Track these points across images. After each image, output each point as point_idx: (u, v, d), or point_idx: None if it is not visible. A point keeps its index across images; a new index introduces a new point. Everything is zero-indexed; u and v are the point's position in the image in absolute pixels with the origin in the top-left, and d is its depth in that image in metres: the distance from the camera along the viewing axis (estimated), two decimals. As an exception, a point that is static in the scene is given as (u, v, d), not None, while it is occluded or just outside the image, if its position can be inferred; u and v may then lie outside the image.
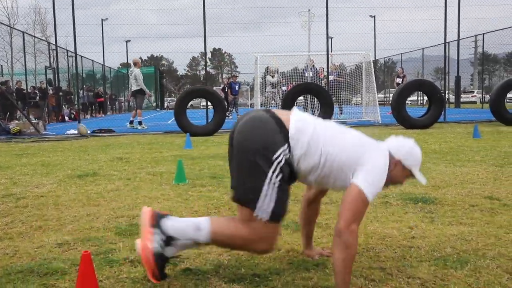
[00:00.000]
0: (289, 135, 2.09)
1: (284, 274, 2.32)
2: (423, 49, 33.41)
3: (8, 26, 25.32)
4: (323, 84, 15.36)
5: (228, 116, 20.84)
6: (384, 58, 41.20)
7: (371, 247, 2.72)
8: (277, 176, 2.04)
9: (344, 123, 14.45)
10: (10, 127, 13.02)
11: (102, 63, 33.72)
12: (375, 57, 34.25)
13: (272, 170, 2.04)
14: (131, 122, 14.33)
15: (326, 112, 11.30)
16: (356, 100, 21.10)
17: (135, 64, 14.40)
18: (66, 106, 25.49)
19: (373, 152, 2.13)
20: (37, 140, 10.91)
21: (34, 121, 14.23)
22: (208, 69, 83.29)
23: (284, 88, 18.54)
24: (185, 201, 4.03)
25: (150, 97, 14.86)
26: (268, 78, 17.09)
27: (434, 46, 31.41)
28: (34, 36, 27.88)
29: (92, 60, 32.74)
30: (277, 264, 2.48)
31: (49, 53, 25.42)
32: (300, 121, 2.15)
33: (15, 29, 24.79)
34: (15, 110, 18.30)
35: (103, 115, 29.88)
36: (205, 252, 2.67)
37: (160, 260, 2.16)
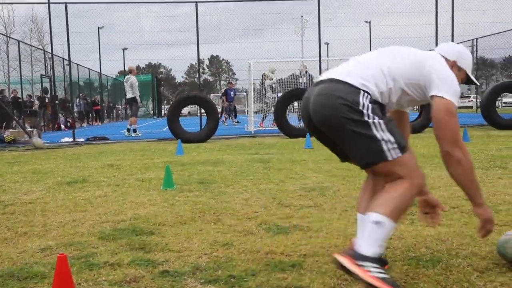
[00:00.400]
0: (354, 83, 2.11)
1: (260, 275, 2.37)
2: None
3: (4, 35, 25.40)
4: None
5: (224, 123, 20.92)
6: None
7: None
8: (374, 118, 2.07)
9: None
10: (4, 135, 13.05)
11: (99, 71, 33.78)
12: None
13: (368, 117, 2.07)
14: (128, 130, 14.39)
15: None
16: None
17: (130, 71, 14.48)
18: (63, 114, 25.54)
19: (431, 61, 2.17)
20: (31, 148, 10.95)
21: (29, 129, 14.26)
22: (206, 76, 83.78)
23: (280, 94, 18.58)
24: (171, 206, 4.08)
25: (140, 107, 14.88)
26: (267, 82, 17.11)
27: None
28: (30, 45, 27.96)
29: (89, 69, 32.85)
30: (254, 265, 2.52)
31: (45, 61, 25.53)
32: (350, 67, 2.20)
33: (11, 38, 24.86)
34: (10, 119, 18.34)
35: (100, 123, 29.92)
36: (184, 255, 2.72)
37: (388, 280, 1.97)
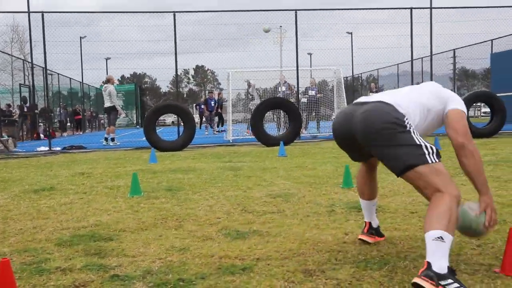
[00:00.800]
0: (400, 110, 2.43)
1: (209, 278, 2.39)
2: (398, 64, 33.98)
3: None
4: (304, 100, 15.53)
5: (206, 132, 20.92)
6: (361, 73, 41.81)
7: (302, 252, 2.81)
8: (415, 130, 2.40)
9: (315, 137, 14.63)
10: (-21, 144, 12.87)
11: (81, 81, 33.51)
12: (352, 73, 34.74)
13: (410, 127, 2.37)
14: (106, 139, 14.30)
15: (294, 127, 11.45)
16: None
17: (108, 80, 14.43)
18: (44, 123, 25.28)
19: (442, 89, 2.62)
20: (5, 157, 10.82)
21: (4, 138, 14.09)
22: (191, 86, 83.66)
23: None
24: (135, 212, 4.08)
25: (121, 115, 14.84)
26: (250, 89, 17.10)
27: (406, 62, 32.15)
28: (10, 55, 27.68)
29: (70, 78, 32.58)
30: (206, 269, 2.54)
31: (24, 71, 25.30)
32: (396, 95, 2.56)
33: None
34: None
35: (81, 132, 29.64)
36: (138, 260, 2.73)
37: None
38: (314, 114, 15.82)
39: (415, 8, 14.33)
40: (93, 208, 4.28)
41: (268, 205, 4.21)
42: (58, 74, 30.12)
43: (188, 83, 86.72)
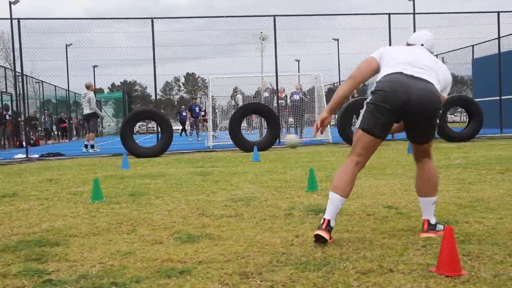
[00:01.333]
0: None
1: (144, 282, 2.35)
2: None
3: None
4: (283, 104, 15.52)
5: (189, 138, 20.86)
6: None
7: (247, 254, 2.77)
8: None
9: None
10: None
11: (67, 88, 33.22)
12: (339, 79, 34.85)
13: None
14: (86, 146, 14.16)
15: (272, 132, 11.44)
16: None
17: (88, 87, 14.32)
18: (28, 131, 25.05)
19: (448, 80, 3.11)
20: (-21, 164, 10.66)
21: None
22: (182, 93, 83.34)
23: None
24: (91, 217, 4.02)
25: (103, 119, 14.86)
26: (238, 96, 17.02)
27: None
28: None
29: (55, 86, 32.30)
30: (143, 273, 2.50)
31: (5, 78, 25.04)
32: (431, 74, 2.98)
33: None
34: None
35: (67, 141, 29.31)
36: (78, 265, 2.68)
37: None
38: (296, 119, 15.81)
39: (393, 13, 14.44)
40: (49, 214, 4.21)
41: (227, 209, 4.18)
42: (42, 81, 29.93)
43: (179, 90, 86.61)
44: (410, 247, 2.79)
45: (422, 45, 3.16)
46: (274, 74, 14.02)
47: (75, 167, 8.69)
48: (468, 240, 2.89)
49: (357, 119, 11.38)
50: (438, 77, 2.97)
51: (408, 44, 3.25)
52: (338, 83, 36.00)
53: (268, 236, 3.21)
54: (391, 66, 2.98)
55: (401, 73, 2.90)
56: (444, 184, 5.06)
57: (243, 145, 11.22)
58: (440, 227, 3.05)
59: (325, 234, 2.87)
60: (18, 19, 12.82)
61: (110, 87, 78.91)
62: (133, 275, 2.47)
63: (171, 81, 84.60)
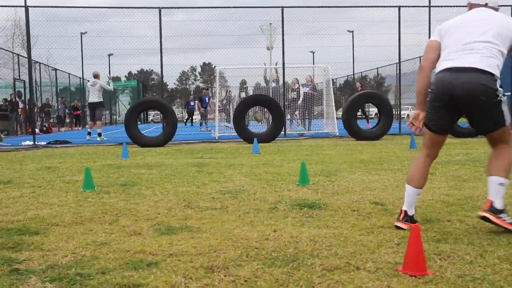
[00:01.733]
0: (493, 73, 2.91)
1: (109, 273, 2.35)
2: (396, 63, 33.75)
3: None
4: (295, 96, 15.43)
5: (201, 128, 20.90)
6: (361, 72, 41.60)
7: (220, 248, 2.77)
8: (503, 98, 2.93)
9: (301, 134, 14.57)
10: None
11: (81, 76, 33.41)
12: (353, 71, 34.56)
13: (501, 97, 2.91)
14: (100, 134, 14.25)
15: (277, 124, 11.40)
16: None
17: (96, 76, 14.40)
18: (44, 118, 25.34)
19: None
20: (-15, 151, 10.80)
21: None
22: (198, 83, 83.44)
23: None
24: (78, 207, 4.05)
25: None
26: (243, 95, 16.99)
27: (407, 60, 32.08)
28: (5, 49, 27.64)
29: (69, 73, 32.51)
30: (112, 264, 2.51)
31: (18, 65, 25.28)
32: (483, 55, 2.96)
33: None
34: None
35: (80, 128, 29.55)
36: (51, 254, 2.70)
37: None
38: (307, 111, 15.72)
39: (403, 6, 14.25)
40: (38, 202, 4.25)
41: (214, 201, 4.18)
42: (56, 69, 30.18)
43: (195, 80, 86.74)
44: (384, 244, 2.77)
45: (486, 4, 3.11)
46: (281, 66, 13.94)
47: (77, 155, 8.76)
48: (444, 239, 2.85)
49: (362, 112, 11.35)
50: (498, 40, 2.94)
51: (471, 4, 3.18)
52: (353, 76, 35.79)
53: (246, 229, 3.21)
54: (444, 58, 3.08)
55: (449, 69, 3.00)
56: (438, 181, 5.01)
57: (248, 137, 11.20)
58: (504, 216, 2.93)
59: (402, 225, 3.08)
60: (26, 7, 12.87)
61: (127, 75, 79.44)
62: (101, 266, 2.48)
63: (188, 70, 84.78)
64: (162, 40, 12.76)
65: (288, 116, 15.52)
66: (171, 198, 4.34)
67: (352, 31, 40.72)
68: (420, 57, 29.92)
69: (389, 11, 15.48)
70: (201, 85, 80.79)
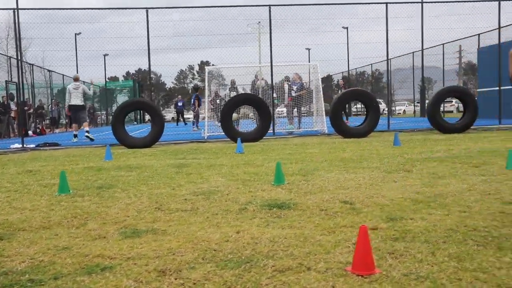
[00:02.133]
0: None
1: (62, 279, 2.37)
2: (388, 60, 33.70)
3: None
4: (291, 95, 15.44)
5: (193, 128, 20.91)
6: (356, 68, 41.62)
7: (178, 251, 2.79)
8: None
9: (291, 133, 14.60)
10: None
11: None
12: (348, 68, 34.57)
13: None
14: (75, 136, 14.39)
15: (264, 123, 11.42)
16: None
17: (77, 79, 14.48)
18: (38, 120, 25.32)
19: None
20: (-28, 155, 10.78)
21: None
22: (196, 81, 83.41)
23: None
24: (50, 211, 4.06)
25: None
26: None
27: (399, 56, 32.17)
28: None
29: (63, 75, 32.46)
30: (67, 269, 2.52)
31: (9, 67, 25.24)
32: None
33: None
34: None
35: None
36: (8, 260, 2.70)
37: None
38: (296, 110, 15.74)
39: (390, 2, 14.27)
40: (10, 207, 4.26)
41: (185, 203, 4.20)
42: (50, 71, 30.17)
43: (193, 79, 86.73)
44: (341, 244, 2.79)
45: None
46: (274, 64, 13.96)
47: (61, 158, 8.76)
48: (402, 238, 2.87)
49: (347, 111, 11.44)
50: None
51: None
52: (347, 72, 35.81)
53: (210, 231, 3.22)
54: None
55: None
56: (412, 179, 5.03)
57: (235, 136, 11.21)
58: None
59: None
60: (14, 9, 12.84)
61: (125, 75, 79.46)
62: (56, 271, 2.49)
63: (185, 69, 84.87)
64: (160, 39, 12.78)
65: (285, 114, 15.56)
66: (143, 201, 4.36)
67: (347, 28, 40.82)
68: (413, 52, 30.09)
69: (380, 8, 15.41)
70: (199, 83, 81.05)
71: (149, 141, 10.98)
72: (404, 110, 46.63)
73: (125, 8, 13.57)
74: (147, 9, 13.23)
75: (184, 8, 14.62)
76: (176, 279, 2.32)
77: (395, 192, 4.32)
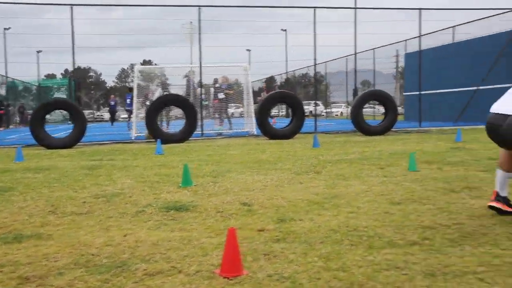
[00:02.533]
0: None
1: (50, 278, 2.24)
2: (325, 62, 34.32)
3: None
4: (220, 97, 15.36)
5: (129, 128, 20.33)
6: (294, 70, 42.19)
7: (56, 256, 2.70)
8: None
9: (220, 134, 14.59)
10: None
11: (4, 75, 31.77)
12: (286, 69, 34.97)
13: None
14: None
15: (190, 123, 11.35)
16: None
17: None
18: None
19: None
20: None
21: None
22: (138, 81, 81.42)
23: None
24: None
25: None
26: (159, 91, 16.78)
27: (332, 60, 32.94)
28: None
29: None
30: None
31: None
32: None
33: None
34: None
35: (3, 128, 27.99)
36: None
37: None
38: (224, 111, 15.74)
39: (317, 7, 14.61)
40: None
41: (83, 206, 4.08)
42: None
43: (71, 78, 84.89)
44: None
45: None
46: (208, 65, 13.90)
47: (-30, 159, 8.30)
48: (284, 239, 2.93)
49: (270, 114, 11.20)
50: None
51: None
52: (286, 73, 36.28)
53: (96, 235, 3.15)
54: None
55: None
56: (318, 180, 5.16)
57: (160, 137, 11.06)
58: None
59: (495, 204, 3.40)
60: None
61: (64, 73, 76.40)
62: (30, 270, 2.35)
63: (127, 68, 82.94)
64: (102, 37, 12.39)
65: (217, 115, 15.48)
66: (39, 204, 4.20)
67: (285, 30, 41.41)
68: (346, 56, 30.85)
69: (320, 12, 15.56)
70: (141, 82, 79.39)
71: (69, 142, 10.62)
72: (342, 112, 47.77)
73: (48, 4, 13.05)
74: (71, 5, 12.81)
75: (109, 5, 14.19)
76: (38, 286, 2.24)
77: (297, 193, 4.41)
